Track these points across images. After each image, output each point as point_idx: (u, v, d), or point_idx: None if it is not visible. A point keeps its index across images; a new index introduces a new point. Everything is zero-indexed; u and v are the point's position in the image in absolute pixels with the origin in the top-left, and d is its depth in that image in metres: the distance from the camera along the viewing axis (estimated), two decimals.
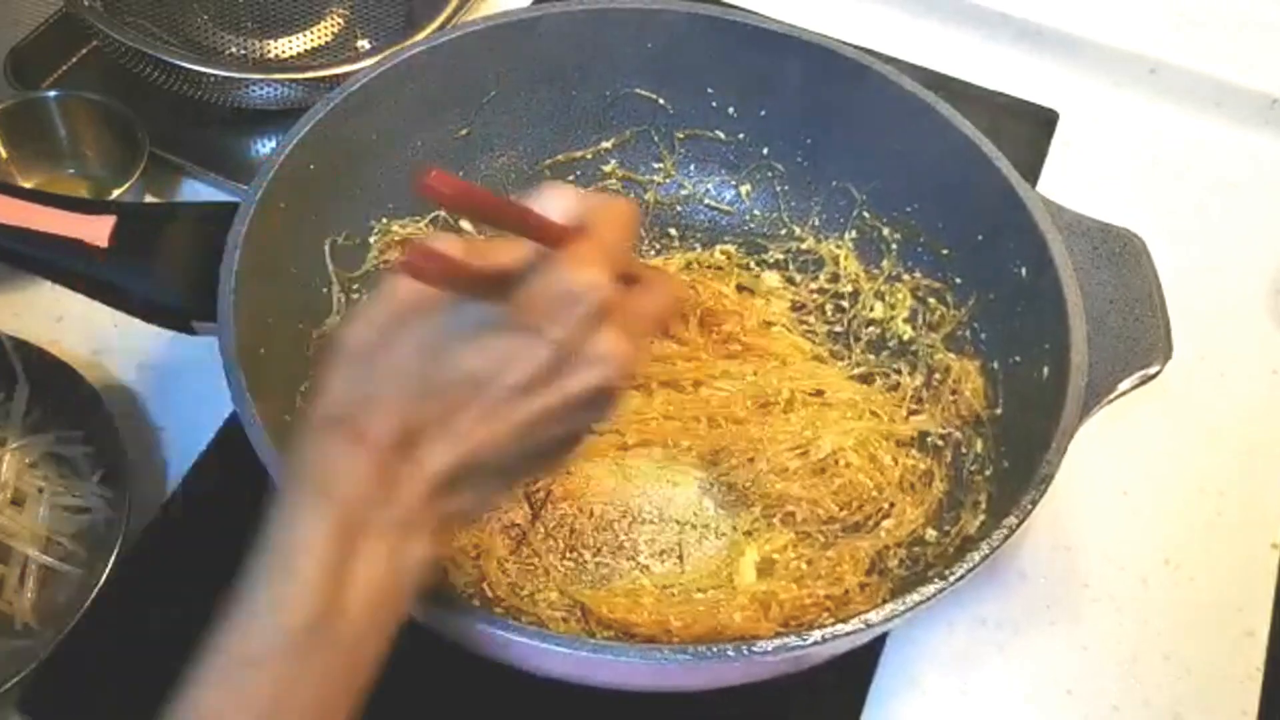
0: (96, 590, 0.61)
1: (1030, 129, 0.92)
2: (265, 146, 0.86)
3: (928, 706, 0.64)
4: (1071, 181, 0.88)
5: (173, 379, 0.73)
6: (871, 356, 0.73)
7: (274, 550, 0.42)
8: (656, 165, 0.78)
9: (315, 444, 0.44)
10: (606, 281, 0.44)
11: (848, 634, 0.50)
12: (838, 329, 0.75)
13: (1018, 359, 0.64)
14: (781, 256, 0.77)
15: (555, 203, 0.47)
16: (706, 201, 0.79)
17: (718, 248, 0.78)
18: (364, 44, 0.92)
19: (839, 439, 0.67)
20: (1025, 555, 0.69)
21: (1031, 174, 0.88)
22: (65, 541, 0.65)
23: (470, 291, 0.44)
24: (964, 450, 0.66)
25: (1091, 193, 0.85)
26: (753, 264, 0.77)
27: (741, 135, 0.76)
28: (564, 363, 0.44)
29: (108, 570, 0.62)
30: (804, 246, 0.76)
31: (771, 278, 0.76)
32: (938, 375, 0.69)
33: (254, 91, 0.81)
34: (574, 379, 0.44)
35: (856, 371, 0.72)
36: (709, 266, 0.77)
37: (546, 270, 0.44)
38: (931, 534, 0.64)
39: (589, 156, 0.77)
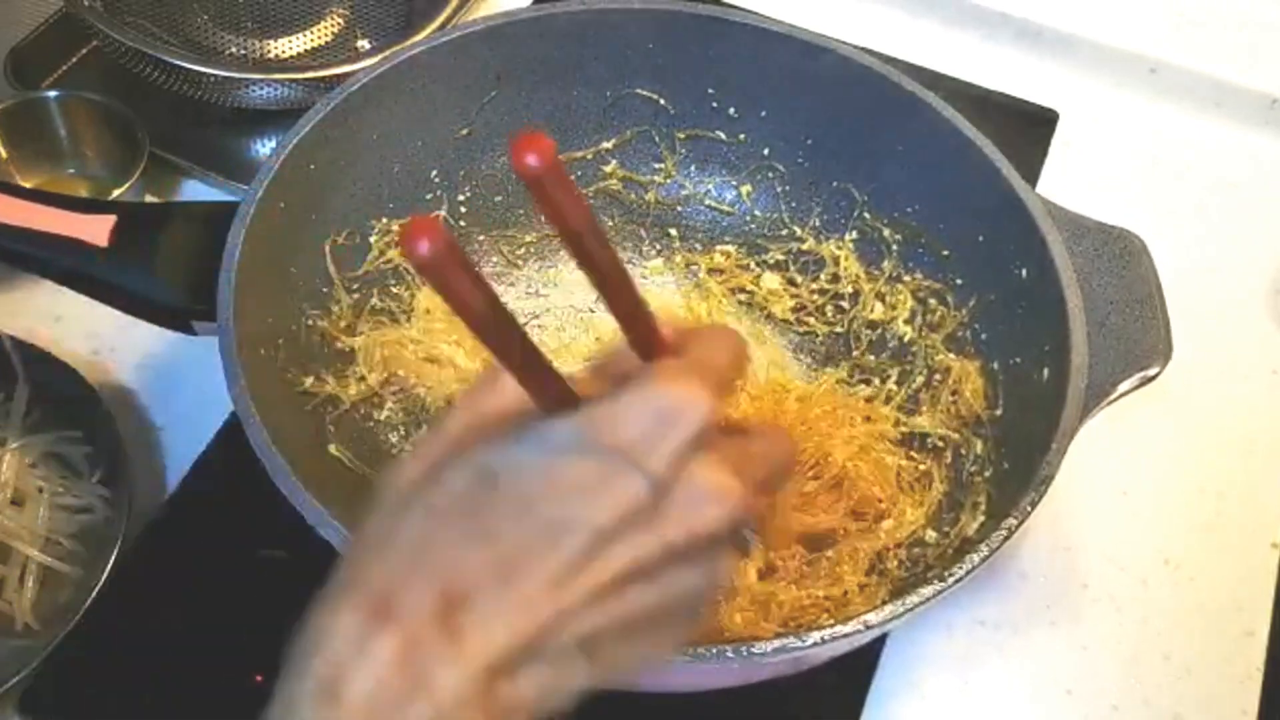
0: (96, 590, 0.61)
1: (1030, 129, 0.92)
2: (265, 146, 0.85)
3: (928, 707, 0.64)
4: (1071, 181, 0.88)
5: (173, 379, 0.73)
6: (871, 358, 0.73)
7: None
8: (657, 166, 0.78)
9: (327, 621, 0.34)
10: (709, 400, 0.35)
11: (847, 635, 0.49)
12: (838, 330, 0.75)
13: (1018, 360, 0.64)
14: (782, 257, 0.77)
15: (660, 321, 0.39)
16: (707, 202, 0.79)
17: (718, 248, 0.78)
18: (364, 44, 0.92)
19: (845, 448, 0.66)
20: (1025, 556, 0.69)
21: (1031, 174, 0.88)
22: (65, 541, 0.65)
23: (544, 397, 0.36)
24: (964, 451, 0.66)
25: (1091, 193, 0.85)
26: (753, 265, 0.77)
27: (742, 136, 0.76)
28: (662, 502, 0.35)
29: (108, 570, 0.61)
30: (805, 247, 0.76)
31: (772, 279, 0.76)
32: (938, 376, 0.69)
33: (254, 91, 0.81)
34: (674, 523, 0.35)
35: (843, 375, 0.73)
36: (710, 270, 0.78)
37: (639, 383, 0.36)
38: (931, 535, 0.63)
39: (589, 157, 0.77)
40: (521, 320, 0.40)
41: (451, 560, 0.34)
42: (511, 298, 0.76)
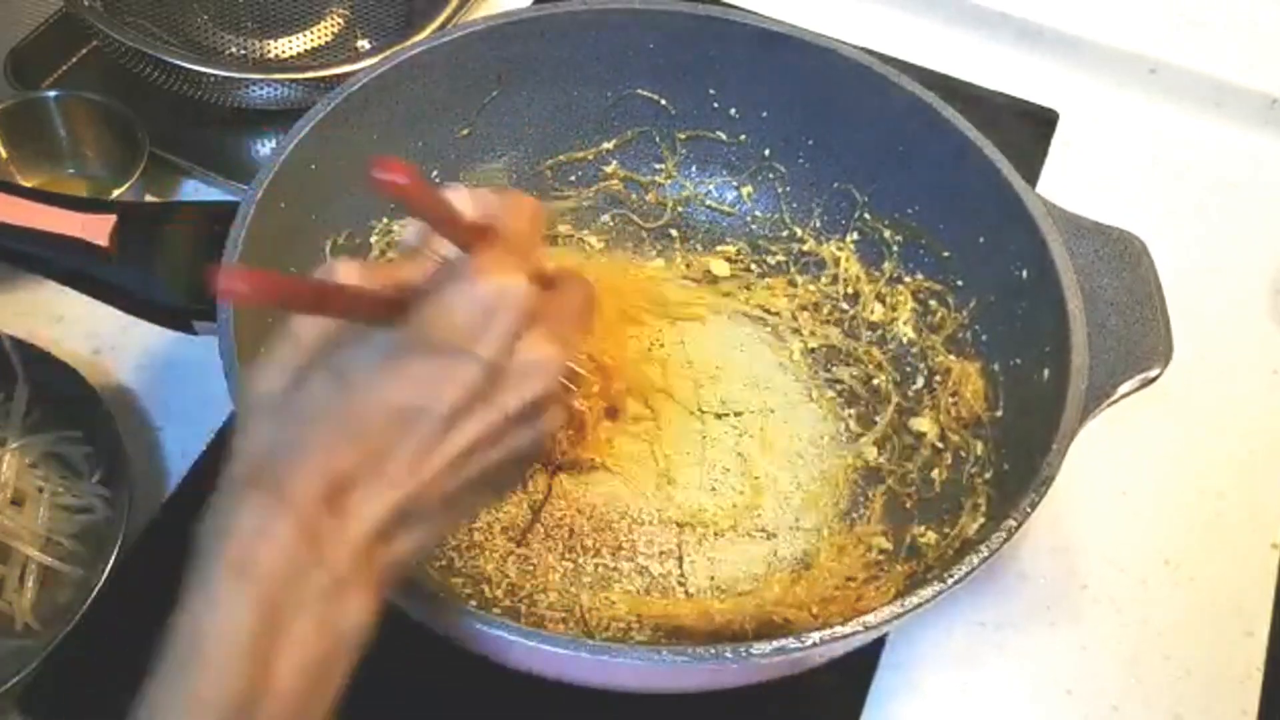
0: (96, 590, 0.61)
1: (1030, 129, 0.92)
2: (265, 146, 0.85)
3: (928, 707, 0.64)
4: (1071, 181, 0.88)
5: (173, 379, 0.73)
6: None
7: (190, 638, 0.38)
8: (658, 166, 0.78)
9: (230, 510, 0.39)
10: (523, 285, 0.42)
11: (845, 636, 0.49)
12: (839, 332, 0.74)
13: (1018, 361, 0.64)
14: (783, 258, 0.77)
15: (461, 200, 0.44)
16: (708, 203, 0.79)
17: (719, 249, 0.78)
18: (364, 44, 0.92)
19: None
20: (1025, 556, 0.69)
21: (1031, 174, 0.88)
22: (65, 541, 0.65)
23: (370, 315, 0.41)
24: (964, 453, 0.66)
25: (1091, 193, 0.85)
26: (753, 266, 0.77)
27: (743, 136, 0.76)
28: (497, 380, 0.41)
29: (108, 570, 0.61)
30: (805, 248, 0.76)
31: (771, 281, 0.76)
32: (938, 378, 0.69)
33: (254, 91, 0.81)
34: (509, 394, 0.42)
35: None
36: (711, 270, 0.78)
37: (458, 280, 0.41)
38: (931, 536, 0.64)
39: (590, 157, 0.77)
40: None
41: (330, 455, 0.40)
42: None
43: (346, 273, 0.43)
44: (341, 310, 0.42)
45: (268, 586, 0.38)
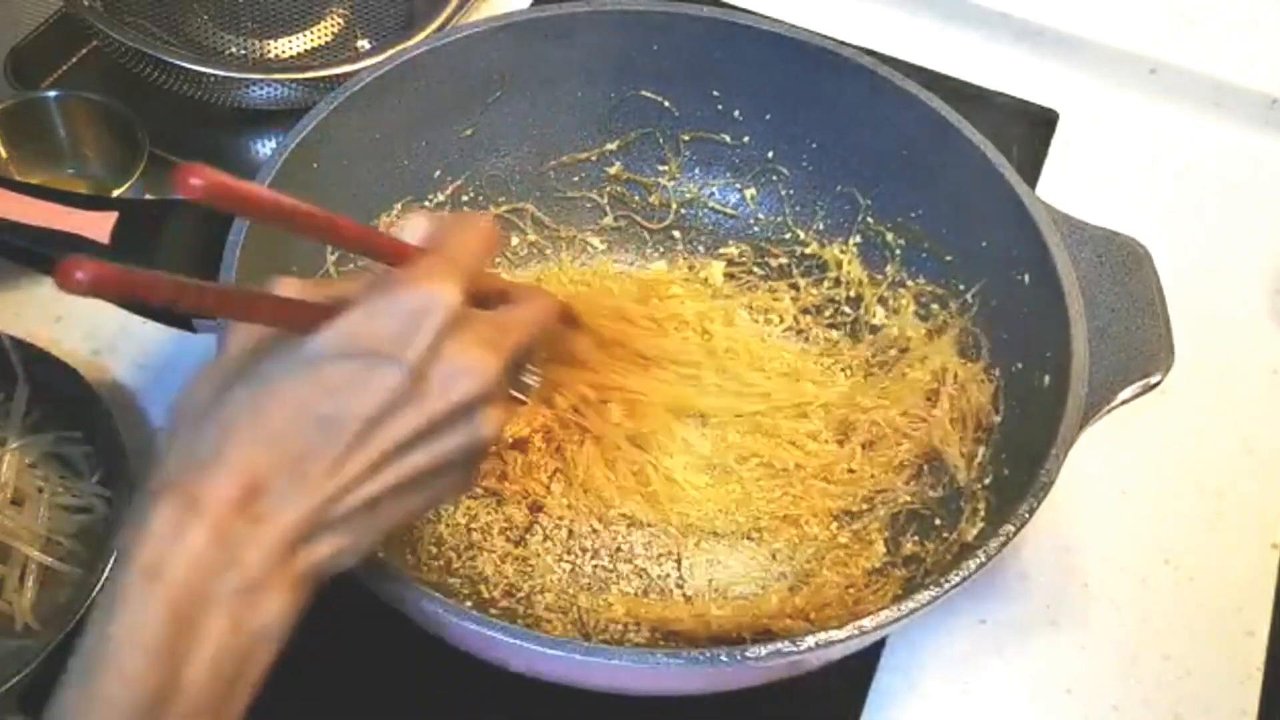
0: (96, 590, 0.61)
1: (1030, 129, 0.92)
2: (265, 146, 0.85)
3: (928, 708, 0.64)
4: (1071, 182, 0.88)
5: (173, 379, 0.73)
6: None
7: (98, 639, 0.39)
8: (661, 168, 0.78)
9: (145, 516, 0.40)
10: (453, 292, 0.42)
11: (842, 640, 0.49)
12: (840, 334, 0.74)
13: (1019, 366, 0.64)
14: (786, 261, 0.77)
15: (411, 228, 0.46)
16: (711, 205, 0.79)
17: (721, 251, 0.78)
18: (364, 44, 0.91)
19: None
20: (1025, 557, 0.69)
21: (1031, 174, 0.88)
22: (65, 541, 0.65)
23: (298, 326, 0.42)
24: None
25: (1091, 193, 0.85)
26: (756, 268, 0.77)
27: (747, 139, 0.76)
28: (420, 384, 0.42)
29: (108, 570, 0.61)
30: (808, 251, 0.76)
31: (773, 283, 0.76)
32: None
33: (254, 91, 0.81)
34: (434, 399, 0.42)
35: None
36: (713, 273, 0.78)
37: (384, 289, 0.42)
38: (930, 541, 0.63)
39: (594, 158, 0.77)
40: None
41: (245, 460, 0.40)
42: None
43: (285, 287, 0.44)
44: (267, 317, 0.42)
45: (177, 587, 0.39)
